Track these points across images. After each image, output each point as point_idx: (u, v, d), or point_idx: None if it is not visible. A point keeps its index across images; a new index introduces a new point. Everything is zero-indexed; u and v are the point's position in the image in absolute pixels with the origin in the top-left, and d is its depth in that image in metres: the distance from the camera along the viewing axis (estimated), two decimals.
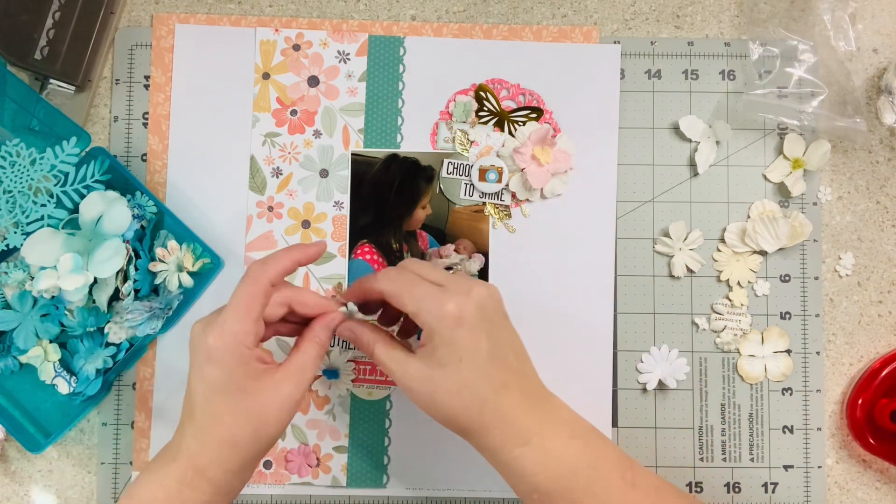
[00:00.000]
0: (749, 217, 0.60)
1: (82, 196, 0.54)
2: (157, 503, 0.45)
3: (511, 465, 0.45)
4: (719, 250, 0.60)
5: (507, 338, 0.47)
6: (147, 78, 0.60)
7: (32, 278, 0.55)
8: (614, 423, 0.59)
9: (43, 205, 0.54)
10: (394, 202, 0.60)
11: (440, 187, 0.60)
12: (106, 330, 0.56)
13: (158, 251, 0.57)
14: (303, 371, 0.46)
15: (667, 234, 0.59)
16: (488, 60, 0.60)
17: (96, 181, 0.55)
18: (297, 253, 0.48)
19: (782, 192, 0.60)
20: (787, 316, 0.59)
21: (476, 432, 0.46)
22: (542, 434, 0.45)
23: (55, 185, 0.54)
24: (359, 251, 0.60)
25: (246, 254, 0.59)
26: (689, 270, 0.60)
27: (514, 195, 0.60)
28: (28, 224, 0.54)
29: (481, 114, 0.60)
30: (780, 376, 0.59)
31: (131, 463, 0.59)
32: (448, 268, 0.50)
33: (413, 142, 0.60)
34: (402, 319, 0.54)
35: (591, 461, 0.46)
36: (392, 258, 0.60)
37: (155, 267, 0.57)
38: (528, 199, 0.60)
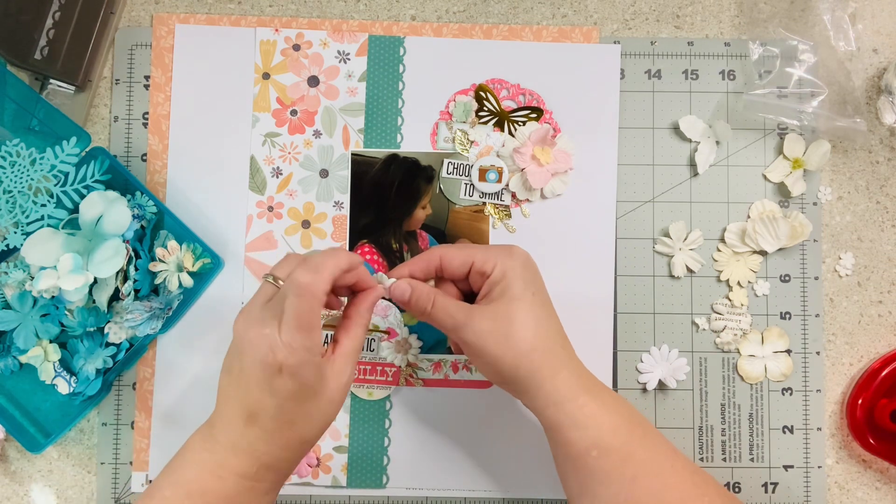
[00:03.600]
0: (749, 217, 0.60)
1: (82, 196, 0.54)
2: (216, 495, 0.44)
3: (576, 415, 0.46)
4: (719, 250, 0.60)
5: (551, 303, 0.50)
6: (147, 78, 0.60)
7: (32, 278, 0.55)
8: None
9: (43, 205, 0.54)
10: (394, 202, 0.60)
11: (440, 187, 0.60)
12: (106, 330, 0.56)
13: (158, 251, 0.57)
14: (356, 354, 0.47)
15: (667, 234, 0.59)
16: (488, 60, 0.60)
17: (96, 181, 0.55)
18: (344, 260, 0.46)
19: (782, 192, 0.60)
20: (787, 316, 0.59)
21: (546, 375, 0.47)
22: (598, 386, 0.48)
23: (55, 185, 0.54)
24: (359, 251, 0.60)
25: (246, 254, 0.59)
26: (689, 270, 0.60)
27: (514, 195, 0.60)
28: (28, 224, 0.54)
29: (481, 114, 0.60)
30: (780, 376, 0.59)
31: (131, 463, 0.59)
32: None
33: (413, 142, 0.60)
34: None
35: (640, 421, 0.48)
36: (392, 258, 0.60)
37: (155, 267, 0.57)
38: (528, 199, 0.60)
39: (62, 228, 0.54)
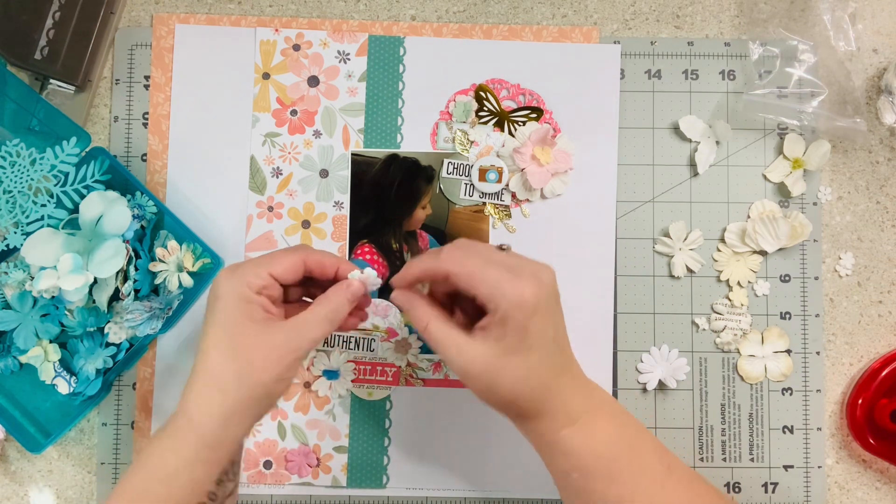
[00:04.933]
0: (749, 217, 0.60)
1: (82, 196, 0.54)
2: (153, 457, 0.44)
3: (557, 445, 0.46)
4: (719, 250, 0.60)
5: (563, 320, 0.47)
6: (147, 78, 0.60)
7: (32, 278, 0.55)
8: None
9: (43, 205, 0.54)
10: (394, 202, 0.60)
11: (440, 187, 0.60)
12: (106, 330, 0.56)
13: (158, 251, 0.57)
14: (304, 325, 0.45)
15: (667, 234, 0.59)
16: (488, 60, 0.60)
17: (96, 181, 0.55)
18: (345, 266, 0.48)
19: (782, 192, 0.60)
20: (787, 316, 0.59)
21: (531, 417, 0.46)
22: (589, 413, 0.46)
23: (55, 185, 0.54)
24: (359, 251, 0.60)
25: (246, 254, 0.59)
26: (689, 270, 0.60)
27: (514, 195, 0.60)
28: (28, 224, 0.54)
29: (481, 114, 0.60)
30: (780, 376, 0.59)
31: (131, 463, 0.59)
32: (500, 246, 0.48)
33: (413, 142, 0.60)
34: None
35: (631, 442, 0.46)
36: (392, 258, 0.60)
37: (155, 267, 0.57)
38: (528, 199, 0.60)
39: (62, 228, 0.54)
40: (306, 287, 0.50)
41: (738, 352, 0.59)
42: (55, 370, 0.57)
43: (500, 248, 0.47)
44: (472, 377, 0.45)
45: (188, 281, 0.57)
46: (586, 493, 0.46)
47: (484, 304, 0.44)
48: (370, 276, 0.48)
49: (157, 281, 0.57)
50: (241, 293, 0.45)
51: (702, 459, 0.59)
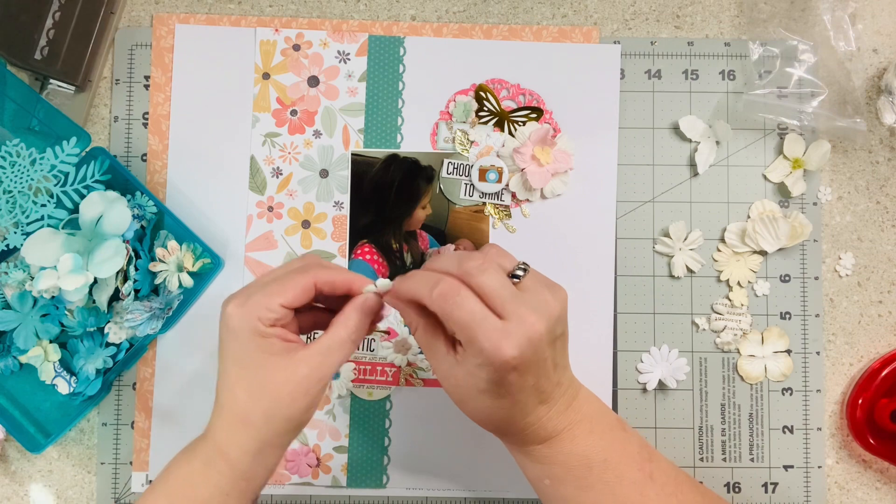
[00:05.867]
0: (749, 217, 0.60)
1: (82, 196, 0.54)
2: (182, 483, 0.44)
3: (527, 453, 0.46)
4: (719, 250, 0.60)
5: (553, 357, 0.44)
6: (147, 78, 0.60)
7: (32, 278, 0.55)
8: None
9: (43, 205, 0.54)
10: (394, 202, 0.60)
11: (440, 187, 0.60)
12: (106, 330, 0.56)
13: (158, 251, 0.57)
14: (328, 353, 0.44)
15: (667, 234, 0.59)
16: (488, 60, 0.60)
17: (96, 181, 0.55)
18: (358, 282, 0.46)
19: (782, 192, 0.60)
20: (787, 316, 0.59)
21: (500, 435, 0.47)
22: (562, 433, 0.46)
23: (55, 185, 0.54)
24: (359, 251, 0.60)
25: (246, 254, 0.59)
26: (689, 270, 0.60)
27: (514, 195, 0.60)
28: (28, 224, 0.54)
29: (481, 114, 0.60)
30: (780, 376, 0.59)
31: (131, 463, 0.59)
32: (514, 273, 0.44)
33: (413, 142, 0.60)
34: None
35: (605, 455, 0.45)
36: (392, 258, 0.60)
37: (155, 267, 0.57)
38: (528, 199, 0.60)
39: (62, 228, 0.54)
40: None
41: (738, 352, 0.59)
42: (55, 370, 0.57)
43: (514, 274, 0.44)
44: (446, 390, 0.46)
45: (188, 281, 0.57)
46: (560, 499, 0.46)
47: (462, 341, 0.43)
48: (384, 287, 0.46)
49: (157, 281, 0.57)
50: (254, 328, 0.43)
51: (702, 459, 0.59)
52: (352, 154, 0.60)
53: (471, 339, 0.42)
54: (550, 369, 0.44)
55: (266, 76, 0.60)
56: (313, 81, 0.60)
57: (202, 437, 0.45)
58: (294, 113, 0.60)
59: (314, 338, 0.53)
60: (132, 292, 0.55)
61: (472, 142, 0.60)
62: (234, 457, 0.44)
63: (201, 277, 0.58)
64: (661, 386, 0.59)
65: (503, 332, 0.41)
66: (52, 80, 0.58)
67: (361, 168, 0.60)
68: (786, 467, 0.59)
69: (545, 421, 0.45)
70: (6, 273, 0.56)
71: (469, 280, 0.43)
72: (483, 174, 0.59)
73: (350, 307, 0.46)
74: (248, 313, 0.44)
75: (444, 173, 0.60)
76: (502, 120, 0.60)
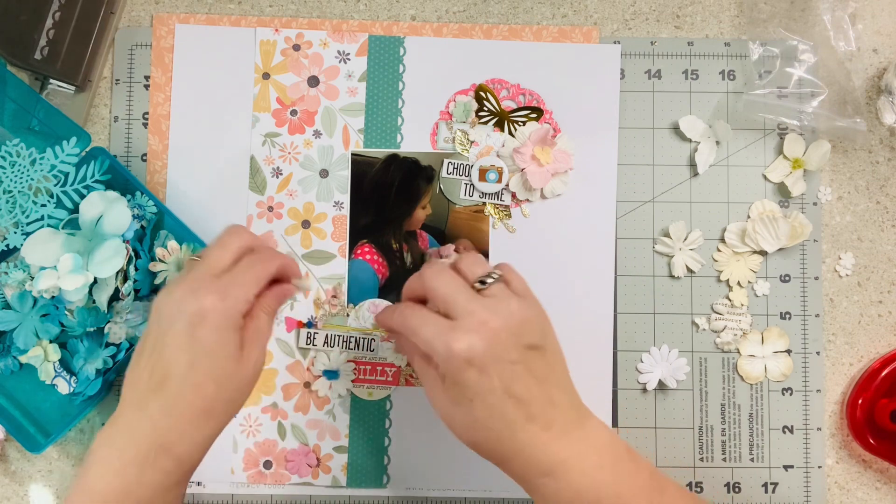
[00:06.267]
0: (749, 217, 0.60)
1: (82, 196, 0.54)
2: (115, 494, 0.43)
3: (535, 492, 0.45)
4: (719, 250, 0.60)
5: (529, 368, 0.43)
6: (147, 78, 0.60)
7: (32, 278, 0.55)
8: (614, 423, 0.59)
9: (43, 205, 0.54)
10: (394, 202, 0.60)
11: (440, 187, 0.60)
12: (106, 330, 0.56)
13: (158, 251, 0.57)
14: (263, 336, 0.46)
15: (667, 234, 0.59)
16: (488, 60, 0.60)
17: (96, 181, 0.55)
18: (291, 269, 0.49)
19: (782, 192, 0.60)
20: (787, 316, 0.59)
21: (497, 461, 0.45)
22: (567, 463, 0.43)
23: (55, 185, 0.54)
24: (359, 251, 0.60)
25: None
26: (689, 270, 0.60)
27: (514, 195, 0.60)
28: (28, 224, 0.54)
29: (481, 114, 0.60)
30: (780, 376, 0.59)
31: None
32: (483, 280, 0.45)
33: (413, 142, 0.60)
34: None
35: (617, 490, 0.44)
36: (392, 258, 0.60)
37: (155, 267, 0.57)
38: (528, 199, 0.60)
39: (62, 228, 0.54)
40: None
41: (738, 352, 0.59)
42: (55, 370, 0.57)
43: (482, 281, 0.44)
44: (441, 418, 0.46)
45: None
46: None
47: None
48: (303, 286, 0.51)
49: (157, 281, 0.57)
50: (233, 322, 0.44)
51: (702, 459, 0.59)
52: (352, 154, 0.60)
53: (427, 346, 0.43)
54: (525, 376, 0.43)
55: (266, 76, 0.60)
56: (313, 81, 0.60)
57: (131, 439, 0.43)
58: (294, 113, 0.60)
59: None
60: (132, 292, 0.55)
61: (472, 142, 0.60)
62: (182, 451, 0.44)
63: None
64: (661, 386, 0.59)
65: (450, 328, 0.42)
66: (52, 80, 0.58)
67: (361, 168, 0.60)
68: (786, 467, 0.59)
69: (543, 445, 0.43)
70: (6, 273, 0.56)
71: (425, 285, 0.45)
72: (483, 174, 0.59)
73: (272, 295, 0.48)
74: (230, 308, 0.44)
75: (444, 173, 0.60)
76: (502, 120, 0.60)
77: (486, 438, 0.44)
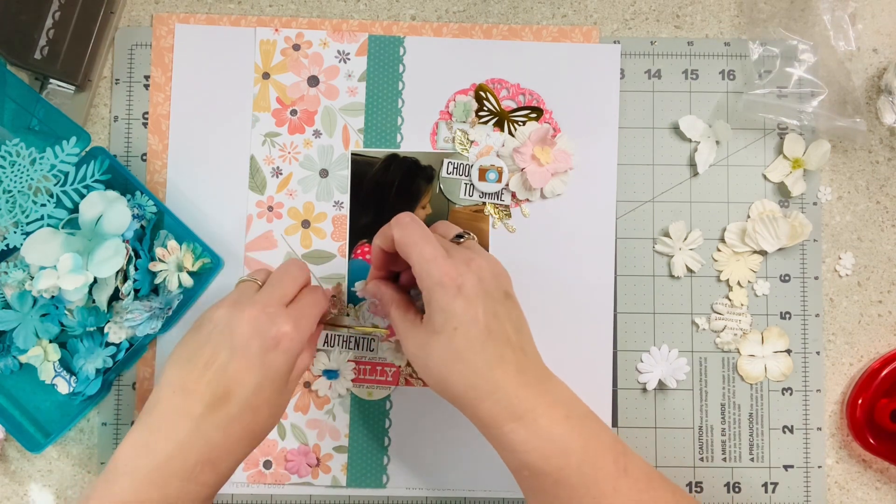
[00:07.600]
0: (749, 217, 0.60)
1: (82, 196, 0.54)
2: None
3: (502, 440, 0.45)
4: (719, 250, 0.60)
5: (507, 313, 0.46)
6: (147, 78, 0.60)
7: (32, 278, 0.55)
8: (614, 423, 0.59)
9: (43, 205, 0.54)
10: (394, 202, 0.60)
11: (440, 187, 0.60)
12: (106, 330, 0.56)
13: (158, 251, 0.57)
14: (303, 370, 0.52)
15: (667, 234, 0.59)
16: (488, 60, 0.60)
17: (96, 181, 0.55)
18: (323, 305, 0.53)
19: (782, 191, 0.60)
20: (787, 316, 0.59)
21: (468, 404, 0.45)
22: (536, 411, 0.44)
23: (55, 185, 0.54)
24: (359, 251, 0.60)
25: (246, 254, 0.59)
26: (689, 270, 0.60)
27: (514, 195, 0.60)
28: (28, 224, 0.54)
29: (481, 114, 0.60)
30: (780, 376, 0.59)
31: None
32: (459, 235, 0.51)
33: (413, 142, 0.60)
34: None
35: (584, 443, 0.45)
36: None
37: (155, 267, 0.57)
38: (528, 199, 0.60)
39: (62, 228, 0.54)
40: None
41: (738, 352, 0.59)
42: (55, 370, 0.57)
43: (458, 237, 0.50)
44: (412, 358, 0.47)
45: (188, 281, 0.57)
46: (539, 492, 0.45)
47: (417, 281, 0.46)
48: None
49: (157, 281, 0.57)
50: (298, 353, 0.48)
51: (702, 459, 0.59)
52: (352, 154, 0.60)
53: (423, 266, 0.45)
54: (504, 319, 0.46)
55: (266, 76, 0.60)
56: (313, 81, 0.60)
57: (179, 452, 0.43)
58: (294, 113, 0.60)
59: None
60: (132, 292, 0.55)
61: (472, 142, 0.60)
62: (225, 468, 0.46)
63: (201, 277, 0.58)
64: (661, 386, 0.59)
65: (447, 260, 0.45)
66: (52, 80, 0.58)
67: (361, 168, 0.60)
68: (786, 467, 0.59)
69: (513, 388, 0.44)
70: (6, 273, 0.56)
71: (417, 227, 0.48)
72: (483, 174, 0.59)
73: (318, 333, 0.54)
74: (300, 339, 0.48)
75: (444, 173, 0.60)
76: (502, 120, 0.60)
77: (461, 373, 0.44)
